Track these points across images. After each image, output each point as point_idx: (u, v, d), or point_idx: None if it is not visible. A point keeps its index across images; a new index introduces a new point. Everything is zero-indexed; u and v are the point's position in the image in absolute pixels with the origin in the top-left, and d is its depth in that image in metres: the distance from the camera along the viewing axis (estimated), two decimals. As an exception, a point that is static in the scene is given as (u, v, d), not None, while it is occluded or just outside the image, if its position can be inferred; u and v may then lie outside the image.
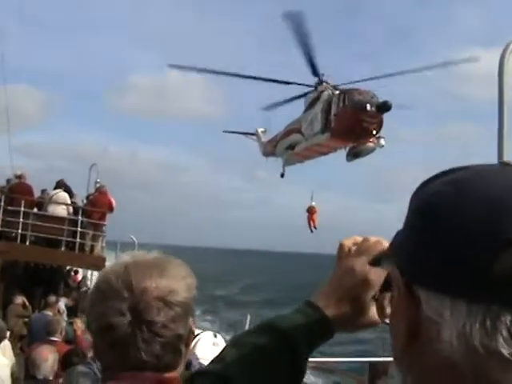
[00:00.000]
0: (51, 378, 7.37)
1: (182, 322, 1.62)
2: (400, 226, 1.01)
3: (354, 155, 26.57)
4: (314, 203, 29.16)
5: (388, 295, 1.23)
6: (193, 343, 17.32)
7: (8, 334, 12.84)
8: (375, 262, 1.23)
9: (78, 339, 11.04)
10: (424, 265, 0.89)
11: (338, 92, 25.55)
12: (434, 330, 0.89)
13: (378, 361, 10.83)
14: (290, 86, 27.19)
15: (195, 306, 1.74)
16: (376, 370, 11.19)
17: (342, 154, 26.68)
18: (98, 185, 23.56)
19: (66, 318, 14.28)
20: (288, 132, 27.77)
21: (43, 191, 22.23)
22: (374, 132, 24.05)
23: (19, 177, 20.99)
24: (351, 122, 23.62)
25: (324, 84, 26.40)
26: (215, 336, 18.97)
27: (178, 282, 1.63)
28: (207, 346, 18.72)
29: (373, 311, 1.38)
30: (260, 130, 32.45)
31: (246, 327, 21.41)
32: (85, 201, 23.30)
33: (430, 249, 0.89)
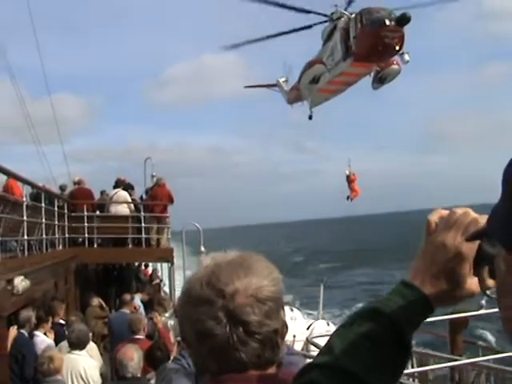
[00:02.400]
0: (139, 375, 7.54)
1: (275, 317, 1.62)
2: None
3: (379, 81, 25.88)
4: (352, 171, 28.61)
5: (486, 268, 1.22)
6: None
7: (90, 335, 13.20)
8: (472, 238, 1.24)
9: (160, 333, 11.24)
10: None
11: (353, 15, 24.83)
12: None
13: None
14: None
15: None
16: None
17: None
18: (154, 178, 23.76)
19: (143, 313, 14.53)
20: (310, 63, 26.72)
21: (102, 192, 22.56)
22: (397, 48, 23.14)
23: (78, 182, 21.38)
24: (372, 41, 22.94)
25: (339, 12, 25.73)
26: (292, 310, 19.08)
27: (265, 278, 1.62)
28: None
29: (469, 283, 1.37)
30: (281, 79, 32.12)
31: (321, 296, 21.52)
32: (144, 195, 23.58)
33: None
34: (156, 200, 21.46)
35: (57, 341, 10.66)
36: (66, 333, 10.23)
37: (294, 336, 15.19)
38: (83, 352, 9.15)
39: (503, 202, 0.99)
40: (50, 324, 11.21)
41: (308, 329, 16.60)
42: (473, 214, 1.38)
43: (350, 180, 28.52)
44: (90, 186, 21.94)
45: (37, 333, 10.59)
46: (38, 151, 26.29)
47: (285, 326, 1.68)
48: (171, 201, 21.58)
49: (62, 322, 12.37)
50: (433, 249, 1.40)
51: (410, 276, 1.42)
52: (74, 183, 21.66)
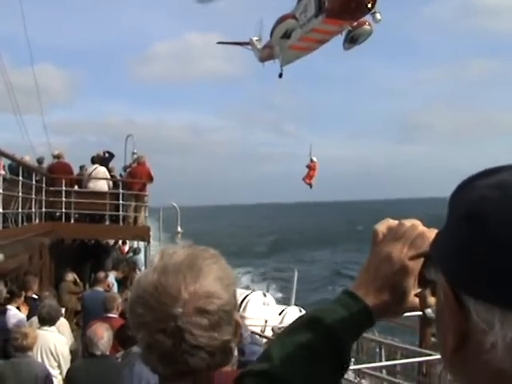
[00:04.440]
0: (108, 353, 7.60)
1: (227, 327, 1.57)
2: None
3: (351, 41, 25.97)
4: (314, 158, 28.55)
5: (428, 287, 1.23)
6: (243, 304, 17.24)
7: (63, 310, 13.18)
8: (416, 258, 1.24)
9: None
10: (473, 274, 0.88)
11: None
12: (482, 339, 0.88)
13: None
14: None
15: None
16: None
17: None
18: (135, 156, 23.66)
19: (116, 291, 14.55)
20: (282, 18, 26.48)
21: (81, 168, 22.38)
22: (370, 5, 23.26)
23: (57, 156, 21.18)
24: None
25: None
26: (264, 295, 19.17)
27: (216, 284, 1.56)
28: (258, 306, 18.81)
29: (413, 296, 1.37)
30: (254, 38, 32.28)
31: (295, 282, 21.62)
32: (122, 172, 23.49)
33: (480, 259, 0.87)
34: (135, 178, 21.39)
35: (30, 315, 10.64)
36: (38, 307, 10.23)
37: (266, 321, 15.32)
38: (53, 328, 9.14)
39: (447, 230, 0.99)
40: (22, 298, 11.18)
41: (280, 314, 16.71)
42: (421, 228, 1.38)
43: (310, 167, 28.57)
44: (69, 161, 21.80)
45: (9, 307, 10.55)
46: (18, 120, 26.06)
47: (238, 327, 1.64)
48: (151, 179, 21.49)
49: (35, 296, 12.32)
50: (379, 260, 1.40)
51: (355, 285, 1.41)
52: (54, 157, 21.44)
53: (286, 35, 26.50)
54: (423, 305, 1.27)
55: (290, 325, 1.41)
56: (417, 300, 1.35)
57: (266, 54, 30.73)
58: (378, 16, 24.08)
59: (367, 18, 24.67)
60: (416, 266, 1.30)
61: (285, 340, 1.36)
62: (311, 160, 28.40)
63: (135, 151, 24.50)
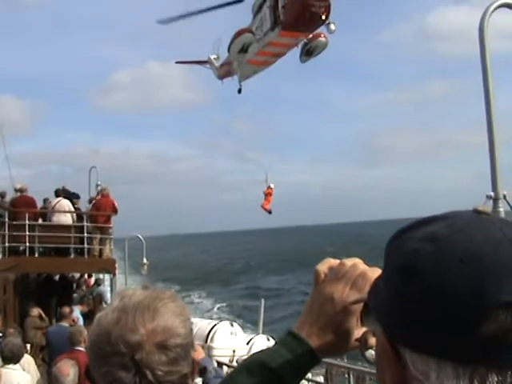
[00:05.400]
0: (74, 391, 7.52)
1: (184, 362, 1.61)
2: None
3: (307, 53, 26.13)
4: (271, 184, 28.68)
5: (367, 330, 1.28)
6: (210, 334, 17.08)
7: (28, 346, 13.02)
8: (356, 303, 1.27)
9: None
10: (407, 326, 0.89)
11: None
12: None
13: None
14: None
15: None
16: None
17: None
18: (99, 187, 23.61)
19: (82, 325, 14.40)
20: (239, 32, 26.67)
21: (45, 200, 22.18)
22: (324, 17, 23.56)
23: (20, 190, 20.95)
24: (299, 9, 23.31)
25: None
26: (232, 325, 19.05)
27: (173, 320, 1.61)
28: (225, 336, 18.68)
29: (356, 335, 1.38)
30: (212, 56, 32.54)
31: (262, 311, 21.58)
32: (87, 205, 23.36)
33: (413, 311, 0.89)
34: (100, 210, 21.27)
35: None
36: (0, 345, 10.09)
37: (234, 351, 15.26)
38: (17, 366, 9.01)
39: (383, 280, 1.01)
40: (-15, 336, 11.03)
41: (248, 344, 16.66)
42: (362, 267, 1.38)
43: (266, 193, 28.69)
44: (32, 194, 21.58)
45: (-29, 345, 10.41)
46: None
47: (196, 364, 1.69)
48: (115, 211, 21.41)
49: (-2, 333, 12.17)
50: (321, 300, 1.40)
51: (298, 325, 1.42)
52: (16, 190, 21.24)
53: (243, 50, 26.74)
54: (363, 348, 1.32)
55: (235, 369, 1.42)
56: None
57: (225, 71, 31.06)
58: (333, 27, 24.35)
59: (322, 29, 25.01)
60: (358, 306, 1.31)
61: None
62: (268, 187, 28.58)
63: (99, 183, 24.47)
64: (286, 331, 1.44)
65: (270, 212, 28.83)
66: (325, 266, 1.43)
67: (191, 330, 1.69)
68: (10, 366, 8.85)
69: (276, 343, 1.43)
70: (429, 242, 0.92)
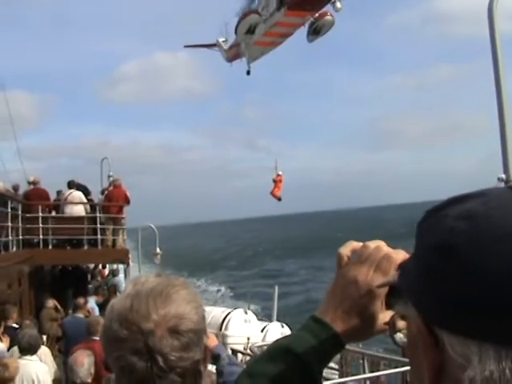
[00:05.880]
0: (89, 381, 7.56)
1: (196, 347, 1.63)
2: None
3: (314, 32, 26.22)
4: (280, 172, 28.70)
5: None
6: (225, 322, 17.13)
7: (44, 338, 13.12)
8: (383, 286, 1.23)
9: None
10: (447, 308, 0.86)
11: None
12: (459, 374, 0.86)
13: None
14: None
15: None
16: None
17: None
18: (111, 178, 23.67)
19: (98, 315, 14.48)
20: (245, 14, 27.03)
21: (58, 193, 22.32)
22: None
23: (33, 182, 21.10)
24: None
25: None
26: (246, 313, 19.07)
27: (185, 307, 1.63)
28: (239, 324, 18.71)
29: (381, 319, 1.37)
30: (221, 39, 32.50)
31: (276, 298, 21.59)
32: (100, 196, 23.46)
33: (449, 290, 0.86)
34: (112, 201, 21.38)
35: (11, 345, 10.57)
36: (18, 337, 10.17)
37: (248, 338, 15.28)
38: (34, 357, 9.09)
39: (416, 261, 0.97)
40: (2, 328, 11.12)
41: (262, 331, 16.70)
42: (385, 249, 1.36)
43: (276, 180, 28.65)
44: (45, 186, 21.74)
45: (-12, 337, 10.52)
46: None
47: (207, 351, 1.71)
48: (127, 202, 21.53)
49: (15, 325, 12.26)
50: (344, 284, 1.38)
51: (322, 310, 1.40)
52: (29, 183, 21.39)
53: (250, 31, 26.80)
54: (393, 331, 1.31)
55: (259, 355, 1.42)
56: (385, 322, 1.36)
57: (233, 54, 31.04)
58: (339, 5, 24.29)
59: (328, 8, 25.01)
60: (383, 288, 1.28)
61: (255, 370, 1.36)
62: (277, 174, 28.54)
63: (111, 174, 24.52)
64: (309, 316, 1.42)
65: (279, 199, 28.82)
66: (347, 248, 1.42)
67: (203, 316, 1.71)
68: (28, 357, 8.93)
69: (299, 328, 1.41)
70: (464, 220, 0.89)
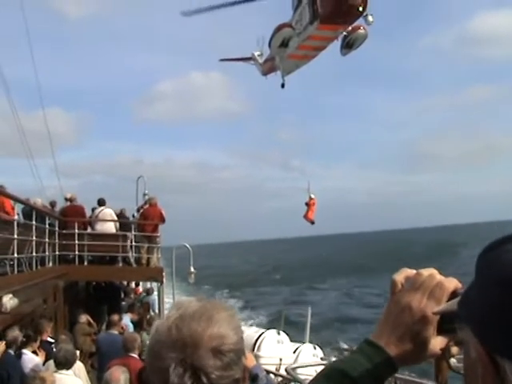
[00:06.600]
0: (125, 397, 7.61)
1: (236, 366, 1.69)
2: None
3: (347, 46, 26.32)
4: (312, 195, 28.51)
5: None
6: (257, 343, 17.08)
7: (78, 353, 13.22)
8: (440, 313, 1.29)
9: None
10: (510, 339, 0.89)
11: None
12: None
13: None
14: None
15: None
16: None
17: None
18: (146, 197, 23.90)
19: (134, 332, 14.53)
20: (279, 27, 26.96)
21: (93, 210, 22.52)
22: (361, 8, 23.66)
23: (70, 199, 21.35)
24: (336, 1, 23.50)
25: None
26: (278, 333, 19.00)
27: (226, 328, 1.70)
28: (272, 345, 18.63)
29: (433, 344, 1.39)
30: (256, 53, 32.76)
31: (309, 319, 21.52)
32: (135, 214, 23.65)
33: None
34: (148, 219, 21.52)
35: (46, 359, 10.67)
36: (54, 351, 10.26)
37: (281, 359, 15.24)
38: (70, 372, 9.18)
39: (478, 292, 1.00)
40: (38, 342, 11.22)
41: (294, 352, 16.62)
42: (439, 277, 1.40)
43: (308, 203, 28.51)
44: (82, 203, 22.00)
45: (25, 351, 10.61)
46: (30, 164, 26.30)
47: (246, 371, 1.76)
48: (162, 220, 21.66)
49: (50, 340, 12.37)
50: (398, 310, 1.42)
51: (375, 334, 1.44)
52: (66, 199, 21.66)
53: (284, 44, 27.02)
54: (447, 356, 1.33)
55: (315, 376, 1.44)
56: (437, 347, 1.38)
57: (268, 67, 31.33)
58: (370, 18, 24.51)
59: (360, 22, 25.13)
60: (435, 316, 1.36)
61: None
62: (310, 197, 28.45)
63: (146, 192, 24.72)
64: (364, 340, 1.46)
65: (312, 222, 28.71)
66: (401, 275, 1.45)
67: (242, 337, 1.78)
68: (63, 371, 9.03)
69: (354, 351, 1.45)
70: None
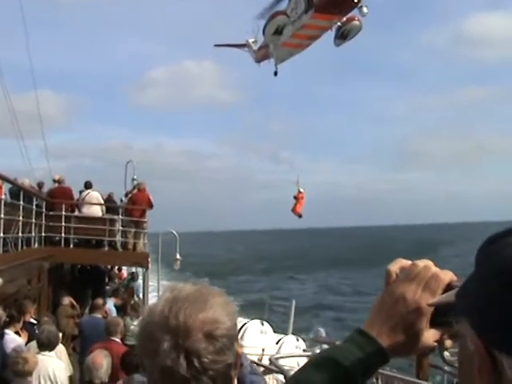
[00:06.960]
0: (107, 381, 7.58)
1: (229, 351, 1.68)
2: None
3: (341, 36, 26.51)
4: (301, 189, 28.63)
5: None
6: (241, 332, 17.10)
7: (60, 335, 13.17)
8: (434, 305, 1.28)
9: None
10: (508, 333, 0.88)
11: None
12: None
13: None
14: None
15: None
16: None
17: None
18: (135, 182, 23.81)
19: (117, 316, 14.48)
20: (273, 15, 27.18)
21: (81, 192, 22.42)
22: (356, 0, 24.00)
23: (58, 181, 21.25)
24: None
25: None
26: (262, 324, 18.99)
27: (221, 312, 1.69)
28: (255, 335, 18.64)
29: (426, 336, 1.38)
30: (251, 40, 32.78)
31: (292, 311, 21.53)
32: (123, 198, 23.57)
33: None
34: (136, 204, 21.50)
35: (29, 340, 10.62)
36: (36, 332, 10.21)
37: (263, 350, 15.25)
38: (52, 353, 9.12)
39: (476, 285, 1.00)
40: (21, 323, 11.17)
41: (277, 343, 16.64)
42: (434, 269, 1.38)
43: (297, 197, 28.56)
44: (70, 185, 21.92)
45: (7, 331, 10.55)
46: (20, 146, 26.17)
47: (238, 357, 1.75)
48: (150, 206, 21.62)
49: (33, 321, 12.31)
50: (392, 300, 1.40)
51: (368, 324, 1.42)
52: (54, 181, 21.54)
53: (278, 32, 27.10)
54: (441, 349, 1.32)
55: (305, 364, 1.43)
56: (430, 339, 1.37)
57: (262, 54, 31.38)
58: (365, 10, 24.73)
59: (355, 13, 25.30)
60: (430, 307, 1.34)
61: (302, 379, 1.39)
62: (299, 191, 28.52)
63: (135, 177, 24.63)
64: (355, 329, 1.44)
65: (300, 216, 28.80)
66: (396, 266, 1.44)
67: (236, 323, 1.77)
68: (46, 352, 8.95)
69: (344, 340, 1.43)
70: None
